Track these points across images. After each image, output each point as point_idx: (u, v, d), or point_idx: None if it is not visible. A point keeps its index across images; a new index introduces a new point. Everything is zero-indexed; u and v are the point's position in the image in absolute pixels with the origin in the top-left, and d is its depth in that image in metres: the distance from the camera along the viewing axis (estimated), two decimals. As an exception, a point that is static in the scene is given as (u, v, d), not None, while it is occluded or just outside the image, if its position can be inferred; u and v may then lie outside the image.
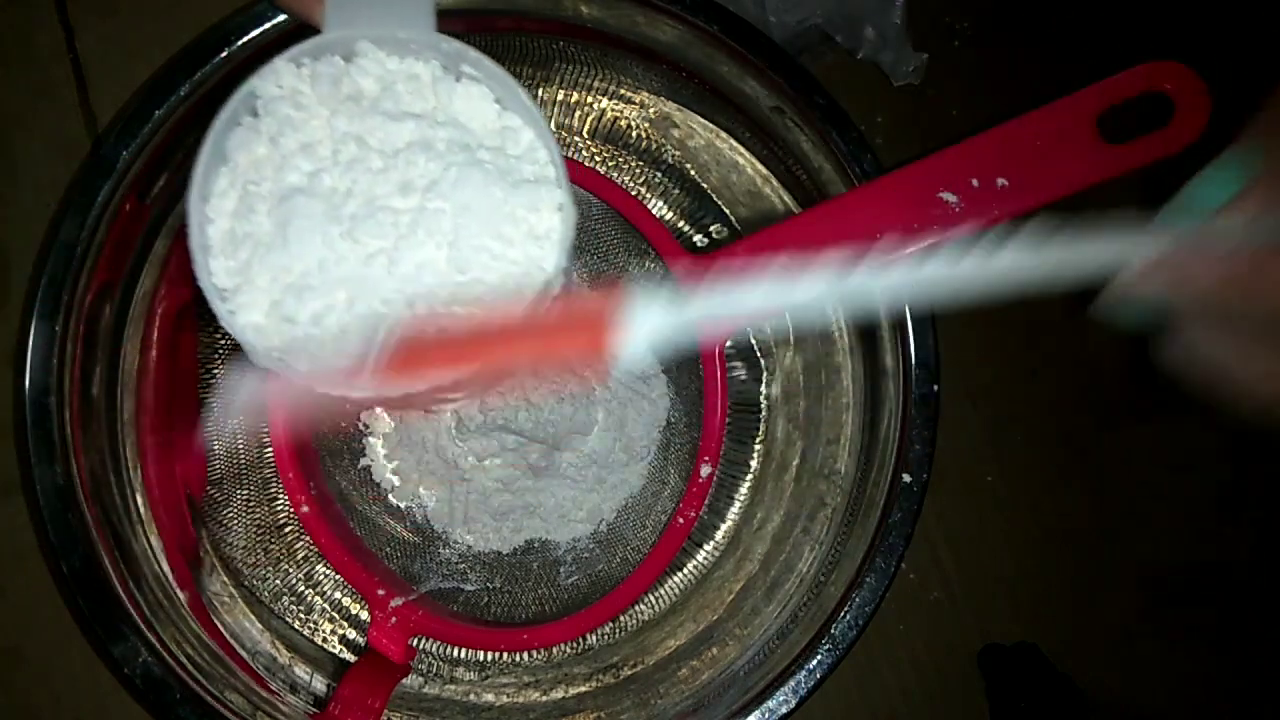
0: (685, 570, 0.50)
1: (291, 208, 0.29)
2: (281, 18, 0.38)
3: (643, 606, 0.49)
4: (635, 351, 0.26)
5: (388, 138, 0.30)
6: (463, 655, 0.48)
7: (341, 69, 0.31)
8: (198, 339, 0.46)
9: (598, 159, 0.50)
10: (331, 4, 0.31)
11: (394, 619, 0.41)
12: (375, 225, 0.29)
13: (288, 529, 0.47)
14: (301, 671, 0.44)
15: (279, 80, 0.30)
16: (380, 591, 0.41)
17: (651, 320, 0.26)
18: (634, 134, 0.50)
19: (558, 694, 0.47)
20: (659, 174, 0.50)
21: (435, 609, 0.43)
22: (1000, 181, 0.36)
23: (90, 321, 0.38)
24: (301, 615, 0.47)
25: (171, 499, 0.43)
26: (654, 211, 0.46)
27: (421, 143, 0.30)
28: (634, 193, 0.48)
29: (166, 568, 0.40)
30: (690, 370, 0.49)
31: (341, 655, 0.46)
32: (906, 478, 0.39)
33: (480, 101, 0.31)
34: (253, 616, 0.45)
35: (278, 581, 0.46)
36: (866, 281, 0.25)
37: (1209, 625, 0.56)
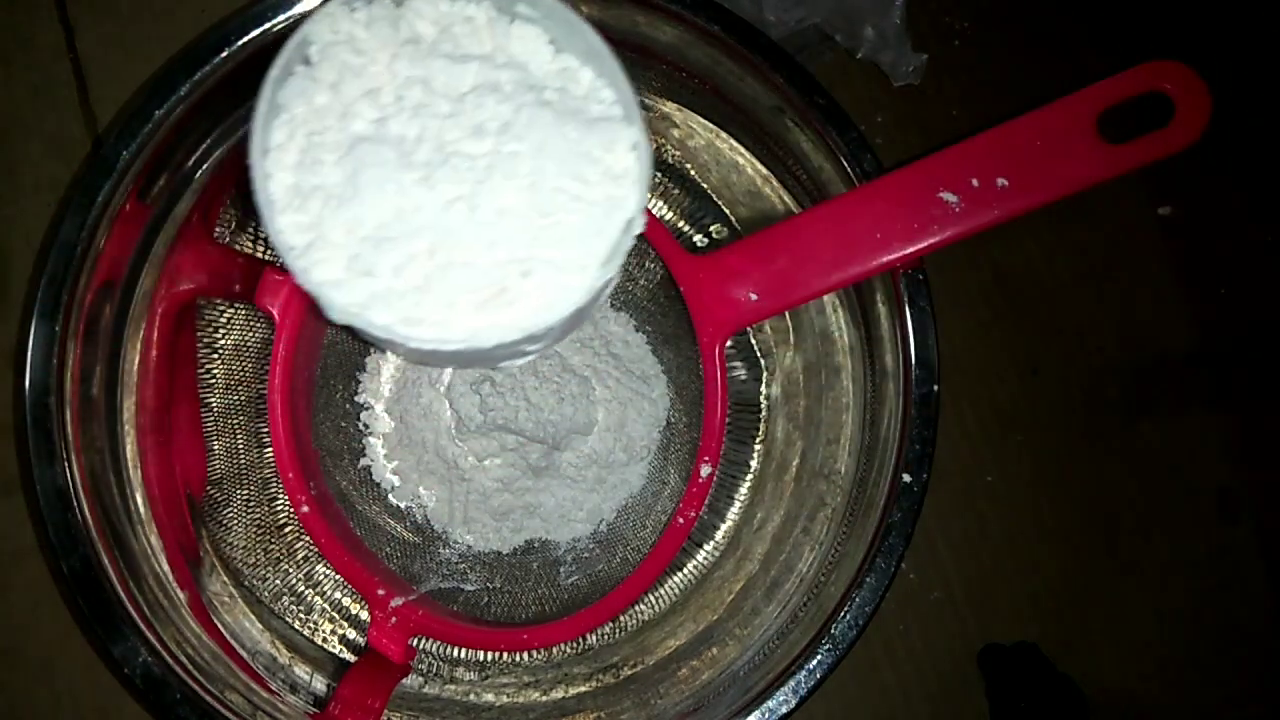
0: (685, 570, 0.50)
1: (360, 156, 0.28)
2: (282, 18, 0.38)
3: (643, 606, 0.49)
4: None
5: (451, 81, 0.29)
6: (463, 655, 0.48)
7: (396, 13, 0.30)
8: (198, 339, 0.46)
9: (598, 159, 0.50)
10: None
11: (394, 619, 0.41)
12: (451, 171, 0.28)
13: (288, 529, 0.47)
14: (301, 671, 0.44)
15: (334, 25, 0.29)
16: (380, 591, 0.41)
17: None
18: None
19: (558, 694, 0.47)
20: (659, 174, 0.50)
21: (435, 609, 0.43)
22: (1000, 181, 0.36)
23: (90, 321, 0.38)
24: (301, 615, 0.47)
25: (171, 499, 0.42)
26: (654, 211, 0.46)
27: (488, 85, 0.29)
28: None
29: (166, 568, 0.40)
30: (690, 370, 0.49)
31: (341, 655, 0.46)
32: (906, 478, 0.39)
33: (536, 43, 0.30)
34: (253, 616, 0.45)
35: (278, 581, 0.46)
36: None
37: (1209, 625, 0.56)
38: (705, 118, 0.47)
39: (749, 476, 0.50)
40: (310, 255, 0.28)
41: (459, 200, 0.28)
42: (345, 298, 0.28)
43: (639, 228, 0.29)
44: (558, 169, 0.29)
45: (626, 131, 0.30)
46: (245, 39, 0.38)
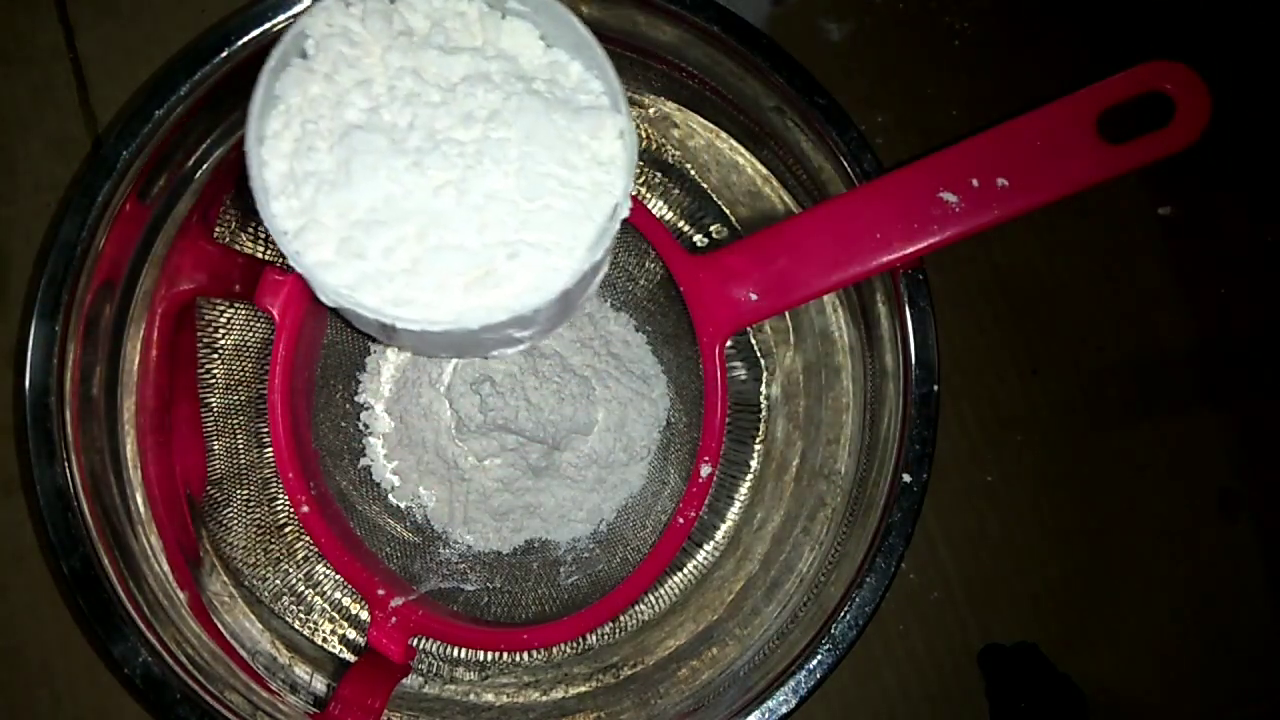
0: (685, 570, 0.50)
1: (353, 144, 0.29)
2: (282, 18, 0.38)
3: (643, 606, 0.49)
4: None
5: (443, 71, 0.30)
6: (463, 655, 0.48)
7: (390, 7, 0.30)
8: (198, 339, 0.46)
9: (598, 159, 0.50)
10: None
11: (394, 619, 0.41)
12: (441, 157, 0.29)
13: (288, 529, 0.47)
14: (301, 671, 0.44)
15: (330, 18, 0.30)
16: (380, 591, 0.41)
17: None
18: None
19: (558, 694, 0.47)
20: (659, 174, 0.50)
21: (435, 609, 0.43)
22: (1000, 181, 0.36)
23: (90, 321, 0.38)
24: (301, 615, 0.47)
25: (171, 499, 0.42)
26: (654, 211, 0.46)
27: (478, 75, 0.30)
28: (634, 192, 0.48)
29: (166, 568, 0.40)
30: (690, 370, 0.49)
31: (341, 655, 0.46)
32: (906, 478, 0.39)
33: (527, 37, 0.31)
34: (253, 616, 0.45)
35: (278, 581, 0.46)
36: None
37: (1209, 625, 0.56)
38: (705, 118, 0.47)
39: (749, 476, 0.50)
40: (303, 238, 0.29)
41: (448, 185, 0.29)
42: (336, 279, 0.29)
43: (625, 213, 0.30)
44: (546, 155, 0.30)
45: (613, 119, 0.30)
46: (245, 39, 0.38)
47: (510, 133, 0.29)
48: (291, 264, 0.29)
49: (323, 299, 0.29)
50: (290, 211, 0.29)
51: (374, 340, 0.47)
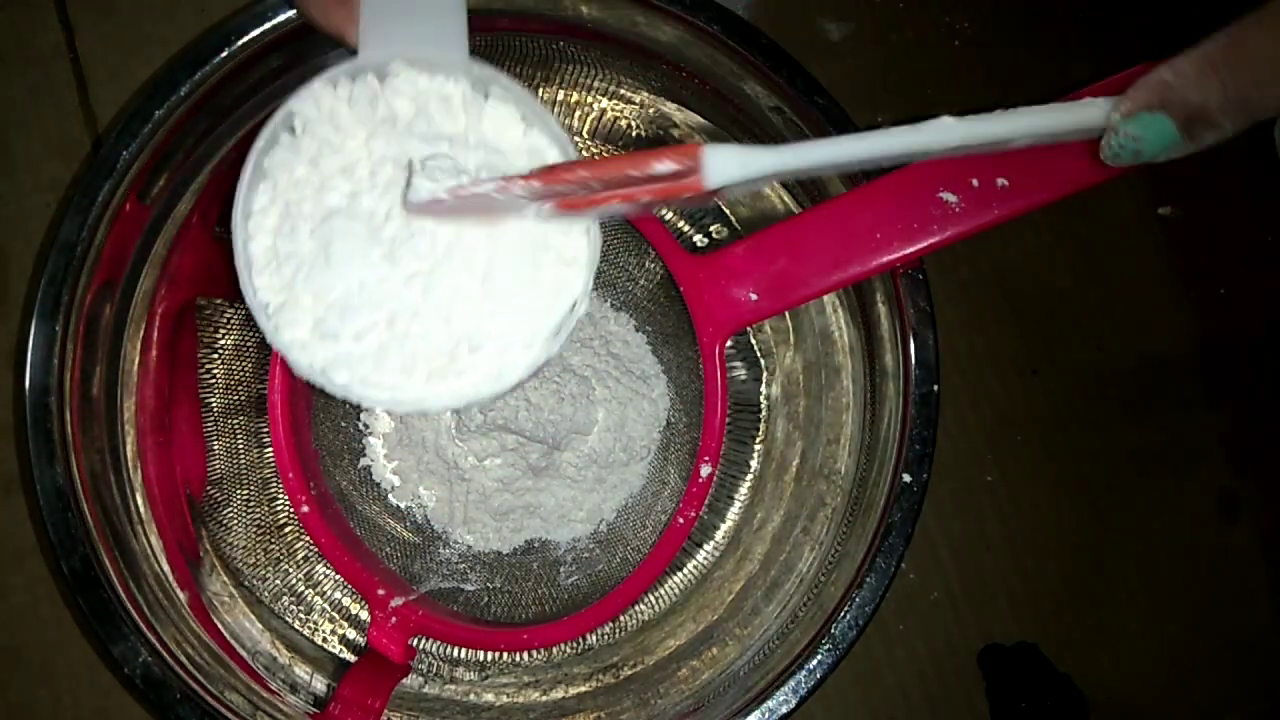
0: (685, 570, 0.50)
1: (333, 229, 0.31)
2: (282, 18, 0.38)
3: (643, 606, 0.49)
4: (727, 170, 0.26)
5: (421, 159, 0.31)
6: (463, 655, 0.48)
7: (377, 89, 0.32)
8: (198, 339, 0.46)
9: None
10: (366, 27, 0.32)
11: (394, 619, 0.41)
12: (413, 249, 0.31)
13: (288, 529, 0.47)
14: (301, 671, 0.44)
15: (318, 102, 0.32)
16: (380, 591, 0.41)
17: (740, 151, 0.27)
18: (634, 134, 0.50)
19: (558, 694, 0.47)
20: (659, 174, 0.50)
21: (435, 609, 0.43)
22: (1000, 181, 0.36)
23: (90, 321, 0.38)
24: (301, 615, 0.47)
25: (171, 499, 0.43)
26: (654, 211, 0.46)
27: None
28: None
29: (166, 568, 0.40)
30: (690, 370, 0.49)
31: (341, 655, 0.46)
32: (906, 478, 0.39)
33: (508, 120, 0.32)
34: (253, 616, 0.45)
35: (278, 581, 0.46)
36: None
37: (1209, 625, 0.56)
38: (705, 118, 0.47)
39: (749, 476, 0.50)
40: (281, 315, 0.31)
41: (418, 276, 0.31)
42: (309, 358, 0.31)
43: (583, 309, 0.32)
44: (512, 257, 0.31)
45: (581, 221, 0.32)
46: (245, 39, 0.38)
47: (481, 233, 0.31)
48: (268, 339, 0.31)
49: (295, 373, 0.31)
50: (271, 288, 0.31)
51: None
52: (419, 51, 0.32)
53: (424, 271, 0.31)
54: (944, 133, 0.26)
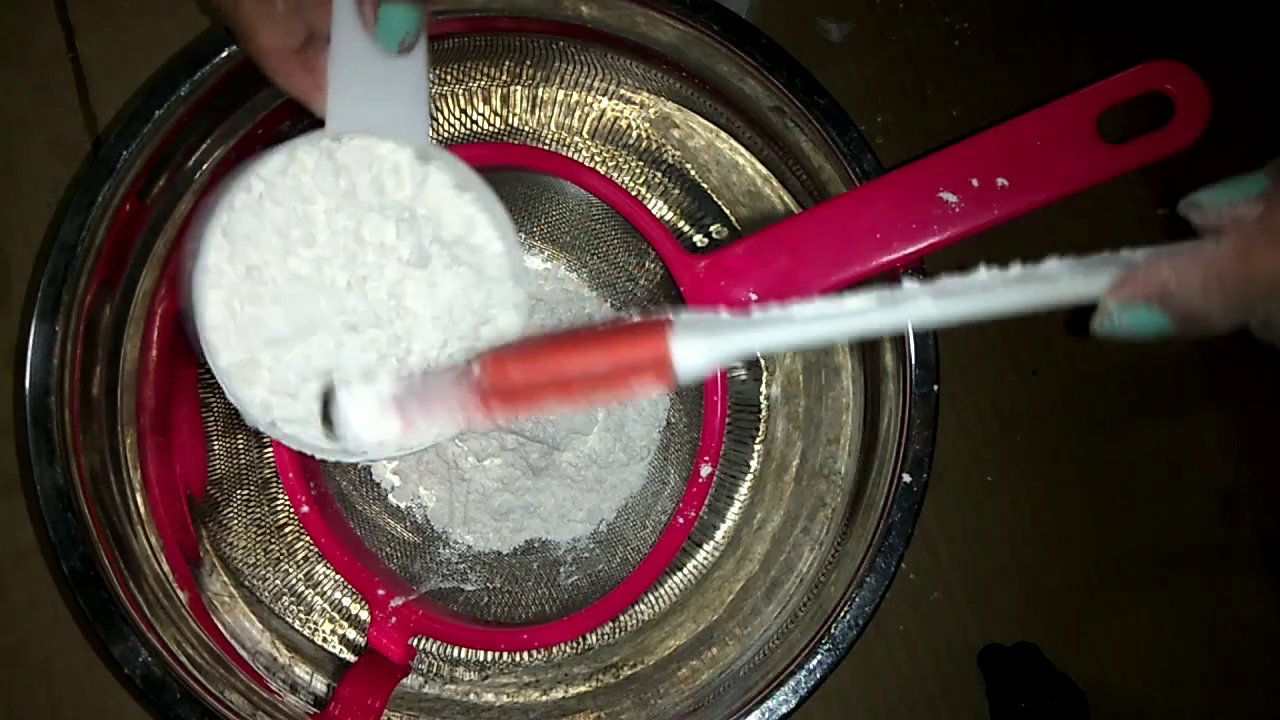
0: (685, 570, 0.50)
1: (295, 294, 0.33)
2: (281, 18, 0.38)
3: (643, 606, 0.49)
4: (697, 364, 0.25)
5: (377, 232, 0.34)
6: (463, 655, 0.48)
7: (341, 162, 0.34)
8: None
9: (598, 159, 0.50)
10: (334, 102, 0.34)
11: (394, 619, 0.41)
12: (371, 317, 0.34)
13: (288, 529, 0.47)
14: (301, 671, 0.44)
15: (284, 170, 0.34)
16: (380, 591, 0.41)
17: (710, 334, 0.26)
18: (634, 134, 0.50)
19: (558, 694, 0.47)
20: (659, 174, 0.50)
21: (435, 609, 0.43)
22: (1000, 181, 0.36)
23: (90, 321, 0.38)
24: (301, 615, 0.47)
25: (171, 499, 0.42)
26: (654, 211, 0.46)
27: (406, 242, 0.35)
28: (634, 193, 0.48)
29: (166, 568, 0.40)
30: (690, 370, 0.48)
31: (341, 655, 0.46)
32: (906, 478, 0.39)
33: (447, 188, 0.35)
34: (253, 616, 0.45)
35: (278, 581, 0.46)
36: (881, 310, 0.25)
37: (1209, 625, 0.56)
38: (705, 118, 0.47)
39: (749, 476, 0.50)
40: (241, 373, 0.34)
41: (374, 343, 0.34)
42: (266, 416, 0.34)
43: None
44: (455, 330, 0.35)
45: (514, 293, 0.36)
46: (245, 39, 0.38)
47: (430, 309, 0.35)
48: (228, 397, 0.33)
49: (252, 425, 0.34)
50: (230, 349, 0.33)
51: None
52: (383, 135, 0.34)
53: (380, 340, 0.34)
54: (920, 311, 0.25)
